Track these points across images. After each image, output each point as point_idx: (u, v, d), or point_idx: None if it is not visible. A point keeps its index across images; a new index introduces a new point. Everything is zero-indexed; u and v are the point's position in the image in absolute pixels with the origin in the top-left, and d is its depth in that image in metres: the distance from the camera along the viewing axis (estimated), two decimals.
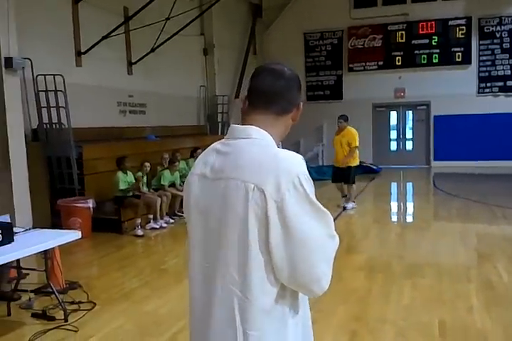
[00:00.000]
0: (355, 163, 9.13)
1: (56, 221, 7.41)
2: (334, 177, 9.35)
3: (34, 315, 4.26)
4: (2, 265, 4.04)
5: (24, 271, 4.90)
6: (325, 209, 1.40)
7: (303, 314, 1.52)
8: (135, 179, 7.90)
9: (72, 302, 4.52)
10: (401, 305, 4.50)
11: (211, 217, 1.45)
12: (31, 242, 3.98)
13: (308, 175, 1.40)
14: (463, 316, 4.21)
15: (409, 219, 9.32)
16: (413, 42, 16.17)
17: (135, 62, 10.79)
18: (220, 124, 14.10)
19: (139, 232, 7.55)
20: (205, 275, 1.47)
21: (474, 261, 5.89)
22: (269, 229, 1.34)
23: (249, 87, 1.56)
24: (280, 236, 1.34)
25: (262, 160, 1.40)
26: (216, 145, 1.55)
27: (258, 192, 1.35)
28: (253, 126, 1.50)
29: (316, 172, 13.21)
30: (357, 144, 8.78)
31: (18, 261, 4.29)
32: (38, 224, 6.66)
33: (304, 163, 1.43)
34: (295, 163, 1.41)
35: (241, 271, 1.38)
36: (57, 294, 4.22)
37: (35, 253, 4.21)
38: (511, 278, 5.16)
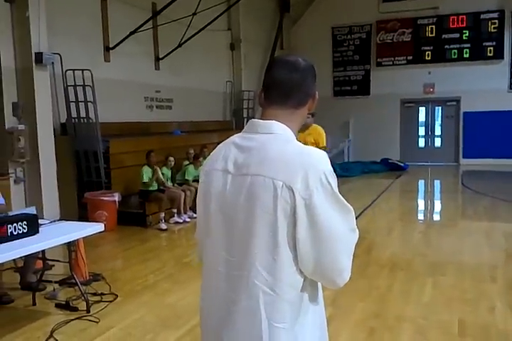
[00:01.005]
0: None
1: (83, 213, 7.57)
2: None
3: (58, 306, 4.37)
4: (28, 256, 4.17)
5: (50, 263, 5.03)
6: (349, 205, 1.43)
7: (321, 306, 1.57)
8: (160, 173, 8.01)
9: (95, 294, 4.62)
10: (421, 303, 4.46)
11: (236, 213, 1.46)
12: (55, 234, 4.09)
13: (333, 171, 1.43)
14: (484, 316, 4.15)
15: (435, 217, 9.19)
16: (443, 36, 15.86)
17: (162, 58, 10.88)
18: (245, 120, 14.13)
19: (163, 226, 7.66)
20: (229, 268, 1.49)
21: (499, 261, 5.78)
22: (296, 225, 1.38)
23: (264, 80, 1.56)
24: (307, 232, 1.38)
25: (289, 157, 1.42)
26: (235, 139, 1.54)
27: (286, 189, 1.37)
28: (274, 121, 1.50)
29: (341, 169, 13.15)
30: (325, 144, 7.86)
31: (43, 252, 4.41)
32: (65, 216, 6.83)
33: (328, 159, 1.45)
34: (321, 160, 1.43)
35: (269, 267, 1.41)
36: (80, 285, 4.32)
37: (60, 245, 4.33)
38: None
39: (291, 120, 1.54)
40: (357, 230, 1.47)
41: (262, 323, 1.42)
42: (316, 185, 1.37)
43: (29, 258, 4.57)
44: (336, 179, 1.43)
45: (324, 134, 7.79)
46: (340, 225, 1.41)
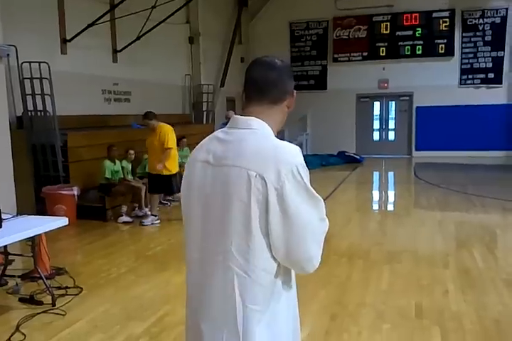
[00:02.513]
0: (175, 169, 7.46)
1: (41, 208, 7.45)
2: (152, 186, 7.62)
3: (21, 300, 4.33)
4: None
5: (10, 257, 4.96)
6: (318, 196, 1.53)
7: (294, 294, 1.67)
8: (122, 168, 7.99)
9: (59, 288, 4.60)
10: (380, 290, 4.66)
11: (214, 201, 1.56)
12: (19, 228, 4.04)
13: (305, 165, 1.52)
14: (439, 299, 4.38)
15: (390, 207, 9.51)
16: (397, 33, 16.31)
17: (120, 50, 10.75)
18: (205, 113, 14.13)
19: (127, 219, 7.63)
20: (203, 254, 1.59)
21: (451, 248, 6.08)
22: (268, 213, 1.47)
23: (244, 80, 1.67)
24: (279, 220, 1.47)
25: (263, 150, 1.52)
26: (218, 133, 1.65)
27: (260, 179, 1.47)
28: (253, 118, 1.61)
29: None
30: (171, 145, 7.25)
31: (5, 247, 4.35)
32: (22, 211, 6.65)
33: (301, 154, 1.55)
34: (293, 153, 1.52)
35: (244, 252, 1.50)
36: (44, 279, 4.30)
37: (21, 240, 4.28)
38: (486, 263, 5.36)
39: (269, 116, 1.63)
40: (326, 220, 1.57)
41: (237, 305, 1.51)
42: (288, 177, 1.46)
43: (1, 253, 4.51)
44: (308, 172, 1.53)
45: (171, 134, 7.29)
46: (309, 214, 1.50)
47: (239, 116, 1.64)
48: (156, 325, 3.89)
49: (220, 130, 1.67)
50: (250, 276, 1.51)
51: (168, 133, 7.27)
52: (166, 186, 7.42)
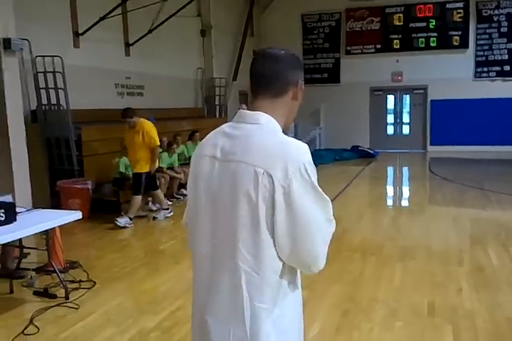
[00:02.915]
0: (147, 168, 7.07)
1: (55, 202, 7.50)
2: (137, 186, 7.13)
3: (36, 293, 4.38)
4: (7, 244, 4.15)
5: (26, 251, 5.02)
6: (326, 196, 1.51)
7: (299, 292, 1.65)
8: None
9: (73, 281, 4.64)
10: (393, 287, 4.64)
11: (221, 197, 1.54)
12: (33, 222, 4.08)
13: (313, 163, 1.49)
14: (452, 297, 4.35)
15: (404, 203, 9.45)
16: (411, 25, 16.12)
17: (132, 44, 10.75)
18: (217, 107, 14.12)
19: (141, 213, 7.66)
20: (213, 251, 1.57)
21: (466, 245, 6.01)
22: (274, 211, 1.45)
23: (249, 74, 1.64)
24: (285, 218, 1.45)
25: (271, 147, 1.50)
26: (224, 128, 1.62)
27: (267, 176, 1.45)
28: (260, 112, 1.58)
29: (313, 156, 13.12)
30: (158, 143, 7.09)
31: (20, 240, 4.40)
32: (37, 204, 6.74)
33: (309, 152, 1.52)
34: (302, 151, 1.49)
35: (251, 249, 1.49)
36: (58, 273, 4.34)
37: (36, 233, 4.33)
38: (500, 261, 5.31)
39: (274, 110, 1.59)
40: (334, 221, 1.55)
41: (244, 302, 1.50)
42: (295, 175, 1.44)
43: (8, 246, 4.55)
44: (316, 171, 1.50)
45: (154, 130, 6.99)
46: (316, 214, 1.48)
47: (246, 111, 1.62)
48: (168, 319, 3.91)
49: (226, 124, 1.65)
50: (258, 274, 1.50)
51: (152, 131, 6.97)
52: (135, 184, 7.08)
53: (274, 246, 1.49)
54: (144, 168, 7.03)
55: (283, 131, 1.65)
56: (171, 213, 7.60)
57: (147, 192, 7.46)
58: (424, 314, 4.01)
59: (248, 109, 1.63)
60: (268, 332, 1.52)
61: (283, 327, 1.55)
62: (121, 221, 7.02)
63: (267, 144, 1.51)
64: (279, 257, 1.51)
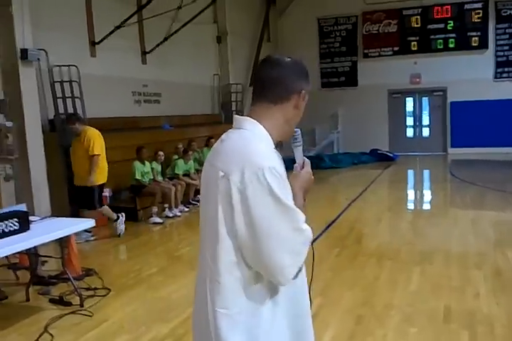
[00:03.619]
0: (99, 180, 6.57)
1: (74, 210, 7.57)
2: (90, 202, 6.60)
3: (51, 301, 4.43)
4: (29, 253, 4.22)
5: (43, 259, 5.09)
6: (290, 205, 1.43)
7: (284, 296, 1.53)
8: (152, 169, 8.08)
9: (88, 289, 4.68)
10: (408, 292, 4.56)
11: (203, 203, 1.57)
12: (46, 230, 4.13)
13: (278, 171, 1.42)
14: (469, 302, 4.26)
15: (423, 206, 9.33)
16: (429, 27, 15.95)
17: (149, 52, 10.86)
18: (234, 113, 14.15)
19: (157, 220, 7.70)
20: (200, 256, 1.59)
21: (485, 249, 5.90)
22: (233, 216, 1.41)
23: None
24: (243, 224, 1.41)
25: (235, 150, 1.47)
26: (224, 134, 1.63)
27: (225, 179, 1.42)
28: (248, 118, 1.56)
29: (331, 160, 13.22)
30: (97, 152, 6.32)
31: (35, 248, 4.45)
32: (56, 212, 6.85)
33: (275, 159, 1.47)
34: (263, 156, 1.44)
35: (212, 255, 1.47)
36: (72, 280, 4.38)
37: (52, 241, 4.38)
38: None
39: (267, 117, 1.55)
40: (306, 231, 1.46)
41: (208, 308, 1.49)
42: (251, 180, 1.39)
43: (31, 255, 4.62)
44: (282, 179, 1.43)
45: (98, 139, 6.41)
46: (277, 223, 1.40)
47: (237, 116, 1.61)
48: (181, 326, 3.91)
49: (228, 130, 1.65)
50: (218, 280, 1.47)
51: (94, 139, 6.33)
52: (87, 199, 6.44)
53: (235, 251, 1.44)
54: (95, 179, 6.41)
55: (280, 141, 1.61)
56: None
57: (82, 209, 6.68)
58: (440, 319, 3.94)
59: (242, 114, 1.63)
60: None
61: (261, 335, 1.48)
62: (83, 236, 6.46)
63: (233, 148, 1.49)
64: (245, 262, 1.46)
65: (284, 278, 1.45)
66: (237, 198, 1.40)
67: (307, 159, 1.67)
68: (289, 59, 1.58)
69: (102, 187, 6.64)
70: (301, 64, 1.61)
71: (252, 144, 1.48)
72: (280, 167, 1.47)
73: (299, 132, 1.67)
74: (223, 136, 1.59)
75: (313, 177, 1.66)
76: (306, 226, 1.47)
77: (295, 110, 1.59)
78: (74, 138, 6.73)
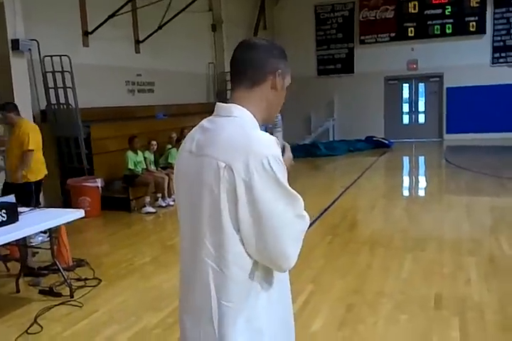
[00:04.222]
0: (35, 176, 5.73)
1: (66, 200, 7.58)
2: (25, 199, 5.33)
3: (41, 292, 4.42)
4: (20, 244, 4.19)
5: (34, 250, 5.08)
6: (293, 192, 1.43)
7: (277, 289, 1.55)
8: (144, 159, 8.05)
9: (79, 279, 4.67)
10: (400, 279, 4.56)
11: (193, 192, 1.50)
12: (35, 221, 4.10)
13: (281, 158, 1.42)
14: (460, 288, 4.26)
15: (417, 193, 9.30)
16: (426, 12, 15.81)
17: (142, 41, 10.76)
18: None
19: (150, 209, 7.69)
20: (191, 246, 1.54)
21: (478, 235, 5.89)
22: (237, 206, 1.39)
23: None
24: (248, 214, 1.39)
25: (234, 139, 1.43)
26: (203, 122, 1.58)
27: (228, 170, 1.39)
28: (233, 104, 1.52)
29: (326, 148, 13.17)
30: (29, 147, 5.53)
31: (24, 239, 4.44)
32: (48, 203, 6.84)
33: (277, 146, 1.45)
34: (267, 144, 1.42)
35: (216, 246, 1.44)
36: (62, 271, 4.36)
37: (39, 232, 4.36)
38: None
39: (249, 101, 1.53)
40: (306, 217, 1.47)
41: (212, 301, 1.46)
42: (257, 168, 1.37)
43: (22, 246, 4.61)
44: (284, 167, 1.43)
45: (33, 133, 5.69)
46: (281, 211, 1.41)
47: (221, 104, 1.56)
48: (171, 316, 3.90)
49: (206, 118, 1.60)
50: (223, 271, 1.45)
51: (29, 132, 5.60)
52: (22, 197, 5.16)
53: (241, 242, 1.43)
54: (29, 175, 5.66)
55: (265, 125, 1.59)
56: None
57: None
58: (430, 306, 3.93)
59: (227, 101, 1.57)
60: (238, 333, 1.46)
61: (258, 330, 1.48)
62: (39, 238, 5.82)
63: (231, 137, 1.45)
64: (248, 255, 1.45)
65: (287, 265, 1.47)
66: (242, 187, 1.38)
67: (287, 144, 1.65)
68: (263, 41, 1.56)
69: (39, 184, 5.85)
70: (276, 45, 1.58)
71: (251, 133, 1.46)
72: (280, 154, 1.47)
73: (280, 117, 1.65)
74: (206, 124, 1.55)
75: (293, 162, 1.66)
76: (305, 213, 1.48)
77: (274, 91, 1.55)
78: (9, 131, 5.96)
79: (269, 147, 1.42)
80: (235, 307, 1.45)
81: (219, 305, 1.46)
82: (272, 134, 1.56)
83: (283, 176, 1.41)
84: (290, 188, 1.43)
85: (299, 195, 1.44)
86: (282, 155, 1.53)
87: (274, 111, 1.60)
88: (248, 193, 1.38)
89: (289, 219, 1.43)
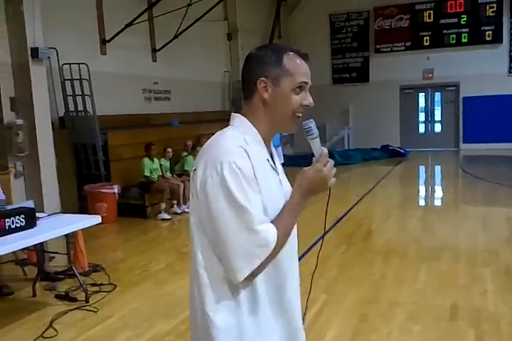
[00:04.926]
0: None
1: (83, 206, 7.65)
2: None
3: (57, 297, 4.48)
4: (37, 249, 4.25)
5: (50, 255, 5.14)
6: (244, 203, 1.34)
7: (270, 290, 1.47)
8: (160, 166, 8.13)
9: (94, 284, 4.72)
10: (414, 289, 4.53)
11: None
12: (53, 227, 4.16)
13: (239, 166, 1.35)
14: (476, 300, 4.22)
15: (432, 203, 9.24)
16: (441, 21, 15.77)
17: (159, 49, 10.91)
18: None
19: (166, 216, 7.74)
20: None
21: (494, 245, 5.82)
22: (200, 210, 1.40)
23: None
24: (207, 219, 1.39)
25: (207, 145, 1.46)
26: None
27: (194, 174, 1.43)
28: (237, 114, 1.53)
29: (341, 157, 13.12)
30: None
31: (42, 244, 4.50)
32: (66, 209, 6.92)
33: (239, 154, 1.37)
34: (226, 150, 1.38)
35: (193, 249, 1.46)
36: (78, 276, 4.41)
37: (59, 237, 4.41)
38: None
39: (248, 112, 1.50)
40: (260, 231, 1.35)
41: (197, 309, 1.45)
42: (212, 174, 1.36)
43: (39, 251, 4.67)
44: (243, 175, 1.34)
45: None
46: (229, 221, 1.35)
47: (232, 114, 1.59)
48: (183, 323, 3.91)
49: None
50: (198, 276, 1.43)
51: None
52: None
53: (207, 246, 1.41)
54: None
55: (282, 134, 1.58)
56: None
57: None
58: (445, 317, 3.90)
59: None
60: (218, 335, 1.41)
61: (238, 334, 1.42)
62: None
63: (206, 144, 1.48)
64: (218, 261, 1.41)
65: (234, 277, 1.39)
66: (200, 191, 1.39)
67: (325, 150, 1.49)
68: (258, 50, 1.52)
69: None
70: (272, 49, 1.51)
71: (220, 139, 1.45)
72: (245, 162, 1.37)
73: (310, 124, 1.49)
74: None
75: (327, 175, 1.46)
76: (262, 228, 1.36)
77: (264, 101, 1.47)
78: None
79: (228, 153, 1.37)
80: (214, 316, 1.41)
81: (202, 314, 1.43)
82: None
83: (235, 184, 1.34)
84: (241, 199, 1.34)
85: (248, 206, 1.34)
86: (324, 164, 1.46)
87: (280, 119, 1.50)
88: (203, 196, 1.38)
89: (235, 231, 1.35)
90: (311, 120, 1.49)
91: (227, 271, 1.40)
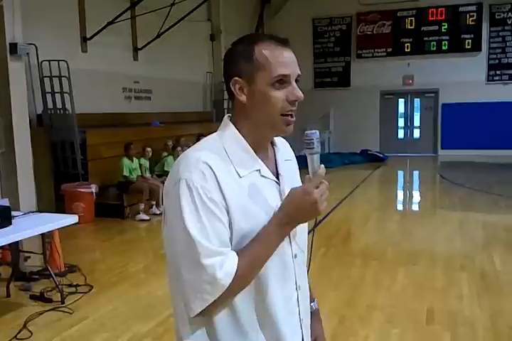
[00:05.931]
0: None
1: (60, 205, 7.53)
2: None
3: (32, 297, 4.38)
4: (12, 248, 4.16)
5: (26, 254, 5.03)
6: (193, 231, 1.14)
7: (247, 326, 1.26)
8: (139, 166, 8.04)
9: (70, 285, 4.64)
10: (392, 292, 4.56)
11: None
12: (28, 226, 4.07)
13: (196, 186, 1.16)
14: (452, 303, 4.26)
15: (410, 207, 9.33)
16: (422, 28, 15.98)
17: (141, 48, 10.82)
18: (226, 111, 14.08)
19: (144, 217, 7.66)
20: None
21: (470, 250, 5.91)
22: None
23: None
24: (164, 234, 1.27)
25: (183, 153, 1.30)
26: None
27: (164, 189, 1.29)
28: (226, 117, 1.37)
29: (321, 160, 13.16)
30: None
31: (17, 244, 4.40)
32: (42, 208, 6.78)
33: (200, 172, 1.17)
34: (188, 166, 1.19)
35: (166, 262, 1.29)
36: (54, 276, 4.33)
37: (35, 237, 4.32)
38: (504, 267, 5.20)
39: (235, 114, 1.33)
40: (208, 266, 1.14)
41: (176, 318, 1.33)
42: (170, 190, 1.21)
43: (14, 250, 4.57)
44: (194, 193, 1.15)
45: None
46: (182, 248, 1.17)
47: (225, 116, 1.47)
48: (161, 325, 3.88)
49: None
50: (173, 305, 1.30)
51: None
52: None
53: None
54: None
55: (256, 144, 1.31)
56: None
57: None
58: (422, 321, 3.93)
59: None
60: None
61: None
62: None
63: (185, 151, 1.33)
64: None
65: (187, 313, 1.22)
66: (164, 208, 1.29)
67: (323, 170, 1.26)
68: (229, 49, 1.32)
69: None
70: (236, 44, 1.30)
71: (193, 149, 1.28)
72: (205, 182, 1.17)
73: (312, 136, 1.25)
74: None
75: (317, 198, 1.19)
76: (210, 262, 1.14)
77: (243, 104, 1.27)
78: None
79: (188, 170, 1.18)
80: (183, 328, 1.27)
81: (177, 324, 1.30)
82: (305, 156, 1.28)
83: (188, 204, 1.15)
84: (192, 225, 1.15)
85: (202, 237, 1.14)
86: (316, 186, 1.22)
87: (266, 122, 1.27)
88: (164, 213, 1.26)
89: (183, 262, 1.18)
90: (316, 131, 1.27)
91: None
